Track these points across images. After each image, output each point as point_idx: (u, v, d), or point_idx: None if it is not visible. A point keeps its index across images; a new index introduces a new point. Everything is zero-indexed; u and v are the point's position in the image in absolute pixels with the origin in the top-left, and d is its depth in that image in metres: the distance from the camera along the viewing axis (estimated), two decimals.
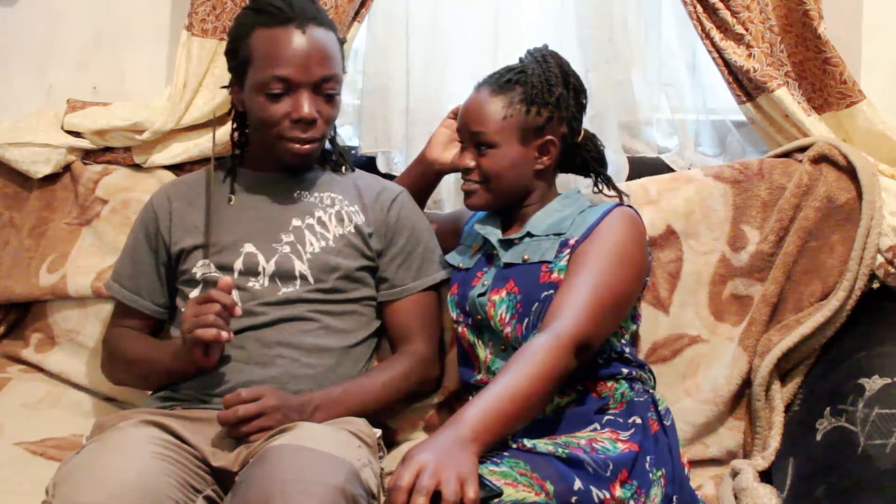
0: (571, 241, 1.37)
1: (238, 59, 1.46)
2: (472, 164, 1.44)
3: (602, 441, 1.25)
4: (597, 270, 1.30)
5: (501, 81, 1.43)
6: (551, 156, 1.44)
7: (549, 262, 1.37)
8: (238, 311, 1.33)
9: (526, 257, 1.40)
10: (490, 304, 1.39)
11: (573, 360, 1.22)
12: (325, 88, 1.45)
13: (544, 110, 1.41)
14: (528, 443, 1.17)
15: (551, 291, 1.33)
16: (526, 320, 1.35)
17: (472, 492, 1.00)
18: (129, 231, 1.58)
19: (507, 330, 1.38)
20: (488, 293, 1.40)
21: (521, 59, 1.47)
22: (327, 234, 1.49)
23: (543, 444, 1.18)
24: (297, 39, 1.42)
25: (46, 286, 1.71)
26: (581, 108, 1.47)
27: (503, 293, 1.39)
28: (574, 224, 1.40)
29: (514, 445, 1.16)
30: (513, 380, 1.16)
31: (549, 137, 1.42)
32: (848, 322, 1.53)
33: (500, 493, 1.04)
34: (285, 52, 1.41)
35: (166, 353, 1.43)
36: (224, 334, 1.30)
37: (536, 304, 1.34)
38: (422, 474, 1.00)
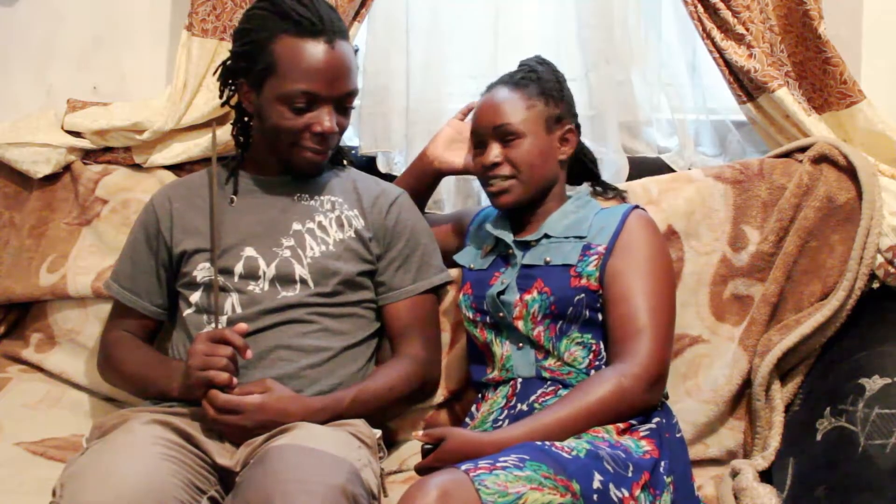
0: (595, 246, 1.39)
1: (256, 62, 1.42)
2: (499, 158, 1.44)
3: (624, 439, 1.26)
4: (646, 293, 1.34)
5: (516, 79, 1.49)
6: (571, 144, 1.49)
7: (576, 266, 1.38)
8: (249, 354, 1.31)
9: (548, 259, 1.41)
10: (522, 304, 1.39)
11: (653, 395, 1.31)
12: (346, 102, 1.46)
13: (560, 103, 1.48)
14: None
15: (583, 296, 1.36)
16: (560, 322, 1.38)
17: None
18: (129, 231, 1.58)
19: (539, 329, 1.39)
20: (520, 294, 1.40)
21: (522, 64, 1.52)
22: (328, 238, 1.48)
23: (566, 443, 1.19)
24: (328, 55, 1.40)
25: (46, 286, 1.71)
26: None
27: (534, 293, 1.39)
28: (593, 227, 1.42)
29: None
30: (583, 417, 1.25)
31: (568, 126, 1.48)
32: (848, 322, 1.53)
33: None
34: (315, 67, 1.40)
35: (163, 374, 1.41)
36: (235, 380, 1.30)
37: (571, 308, 1.37)
38: None
